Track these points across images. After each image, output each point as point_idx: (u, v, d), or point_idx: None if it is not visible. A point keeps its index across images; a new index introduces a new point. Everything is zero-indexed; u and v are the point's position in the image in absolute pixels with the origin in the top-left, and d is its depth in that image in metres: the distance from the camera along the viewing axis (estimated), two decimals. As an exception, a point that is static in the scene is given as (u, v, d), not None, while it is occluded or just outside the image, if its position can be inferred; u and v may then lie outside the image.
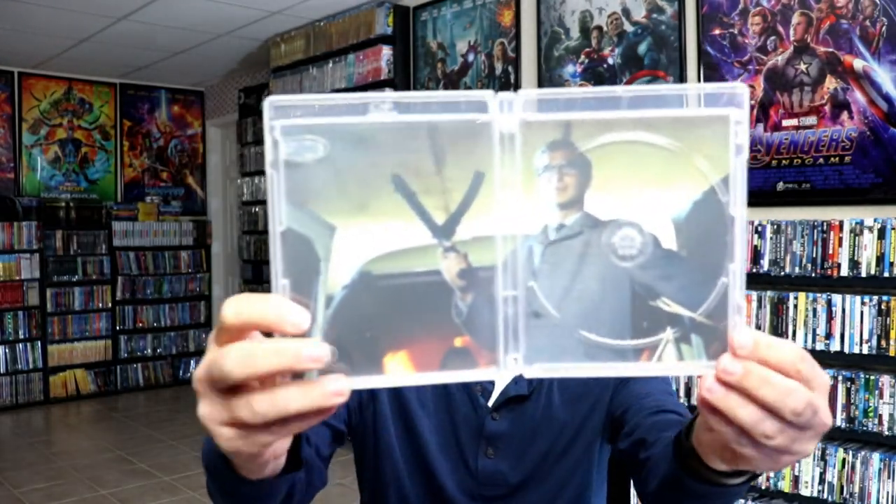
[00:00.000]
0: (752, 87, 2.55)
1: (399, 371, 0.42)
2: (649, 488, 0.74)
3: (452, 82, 3.63)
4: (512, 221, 0.42)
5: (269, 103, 0.40)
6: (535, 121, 0.42)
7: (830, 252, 2.28)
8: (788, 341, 0.41)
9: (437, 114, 0.41)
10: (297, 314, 0.39)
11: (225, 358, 0.39)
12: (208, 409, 0.41)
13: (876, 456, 2.16)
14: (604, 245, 0.43)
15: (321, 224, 0.41)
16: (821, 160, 2.39)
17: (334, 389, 0.39)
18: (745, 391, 0.39)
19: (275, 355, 0.38)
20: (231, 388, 0.40)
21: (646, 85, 0.41)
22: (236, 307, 0.39)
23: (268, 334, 0.40)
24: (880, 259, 2.18)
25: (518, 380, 0.92)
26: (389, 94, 0.42)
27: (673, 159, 0.42)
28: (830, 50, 2.36)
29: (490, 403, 0.92)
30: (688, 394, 2.51)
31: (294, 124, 0.40)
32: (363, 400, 0.94)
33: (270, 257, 0.41)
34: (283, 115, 0.41)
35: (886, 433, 2.14)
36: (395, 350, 0.42)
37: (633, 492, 2.51)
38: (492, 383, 0.93)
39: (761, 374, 0.39)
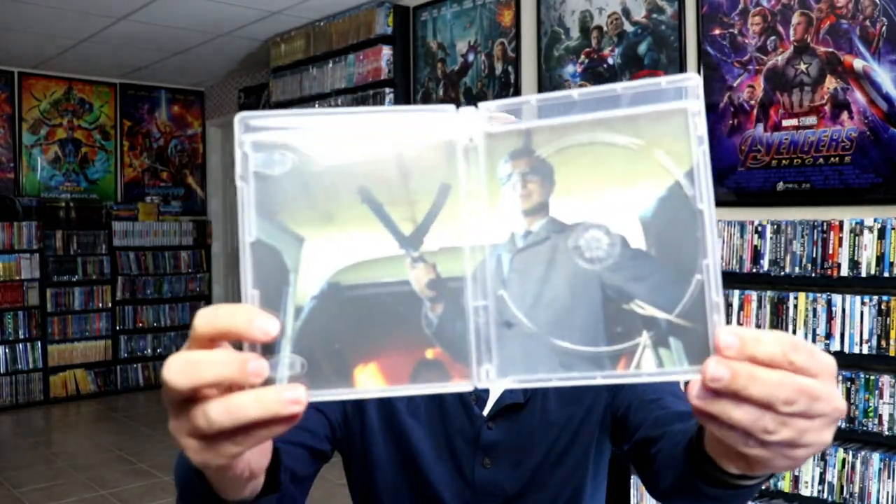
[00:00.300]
0: (752, 87, 2.55)
1: (369, 383, 0.41)
2: (661, 486, 0.73)
3: (452, 82, 3.63)
4: (479, 231, 0.43)
5: (240, 119, 0.41)
6: (496, 132, 0.43)
7: (830, 252, 2.28)
8: (775, 332, 0.39)
9: (402, 129, 0.43)
10: (266, 321, 0.38)
11: (167, 369, 0.39)
12: (173, 422, 0.41)
13: (876, 456, 2.16)
14: (571, 249, 0.42)
15: (290, 235, 0.41)
16: (821, 160, 2.39)
17: (291, 398, 0.38)
18: (734, 392, 0.38)
19: (218, 366, 0.38)
20: (187, 399, 0.39)
21: (599, 86, 0.42)
22: (207, 317, 0.39)
23: (239, 347, 0.40)
24: (880, 259, 2.18)
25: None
26: (357, 109, 0.43)
27: (634, 157, 0.41)
28: (830, 50, 2.36)
29: (485, 412, 0.90)
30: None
31: (264, 140, 0.41)
32: (348, 413, 0.91)
33: (240, 268, 0.41)
34: (253, 129, 0.41)
35: (886, 433, 2.14)
36: (365, 362, 0.42)
37: (632, 491, 2.51)
38: (486, 391, 0.91)
39: (747, 372, 0.38)
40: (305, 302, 0.41)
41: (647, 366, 0.41)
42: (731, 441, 0.41)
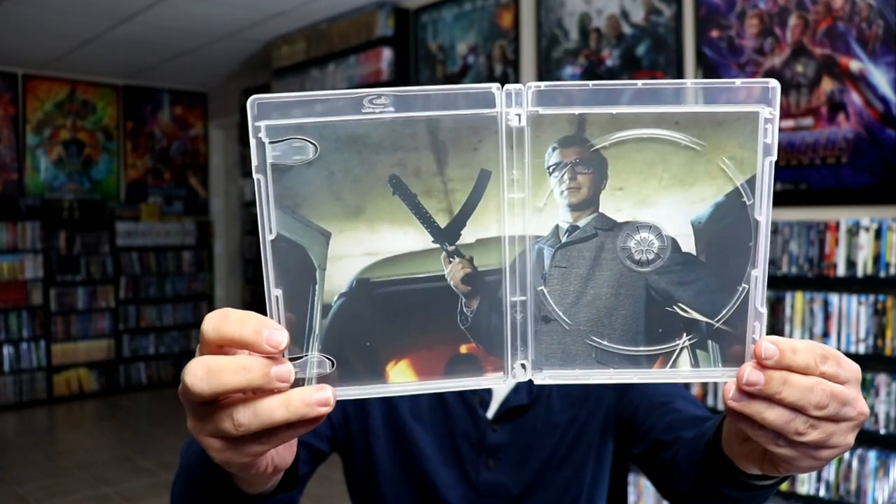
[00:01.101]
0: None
1: (401, 380, 0.40)
2: (680, 490, 0.74)
3: (452, 84, 3.65)
4: (520, 223, 0.40)
5: (253, 101, 0.38)
6: (545, 114, 0.39)
7: (827, 252, 2.29)
8: (808, 342, 0.41)
9: (439, 109, 0.39)
10: (274, 333, 0.37)
11: (189, 374, 0.38)
12: (193, 422, 0.41)
13: (872, 454, 2.18)
14: (619, 249, 0.41)
15: (315, 230, 0.39)
16: (818, 161, 2.40)
17: (318, 399, 0.38)
18: (768, 396, 0.40)
19: (242, 373, 0.37)
20: (208, 402, 0.39)
21: (691, 80, 0.40)
22: (215, 323, 0.39)
23: None
24: (876, 259, 2.20)
25: (518, 389, 0.90)
26: (386, 89, 0.39)
27: (696, 158, 0.39)
28: (827, 52, 2.38)
29: (489, 415, 0.90)
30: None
31: (281, 124, 0.38)
32: (349, 415, 0.91)
33: (263, 266, 0.39)
34: (268, 114, 0.38)
35: (882, 432, 2.16)
36: (398, 359, 0.41)
37: (630, 489, 2.53)
38: (489, 393, 0.91)
39: (781, 377, 0.40)
40: (333, 300, 0.40)
41: (683, 366, 0.41)
42: (762, 440, 0.42)
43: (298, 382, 0.40)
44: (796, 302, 2.34)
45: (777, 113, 0.39)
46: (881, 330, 2.17)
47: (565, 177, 0.40)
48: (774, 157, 0.39)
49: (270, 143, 0.38)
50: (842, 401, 0.41)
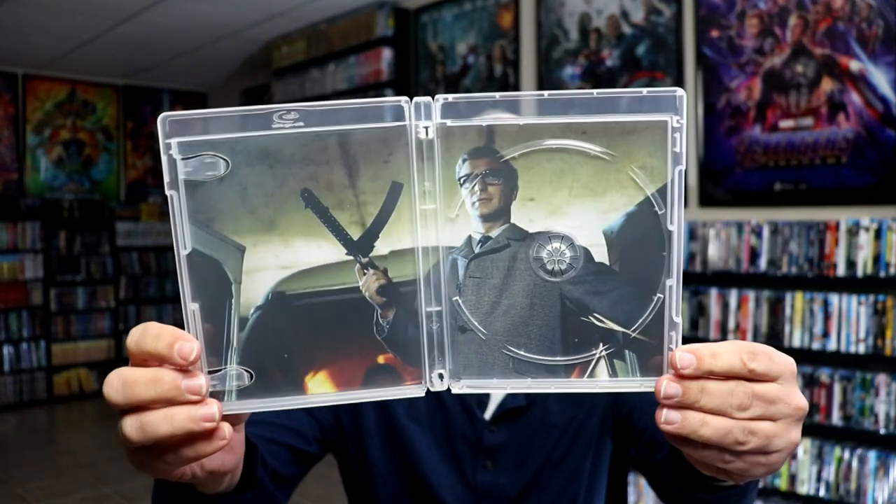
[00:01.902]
0: (749, 88, 2.57)
1: (320, 391, 0.41)
2: (669, 492, 0.74)
3: (452, 84, 3.65)
4: (433, 234, 0.41)
5: (163, 119, 0.39)
6: (454, 126, 0.40)
7: (827, 252, 2.29)
8: (732, 343, 0.40)
9: (349, 123, 0.39)
10: (185, 347, 0.38)
11: (106, 385, 0.39)
12: (119, 429, 0.41)
13: (872, 454, 2.18)
14: (532, 259, 0.41)
15: (229, 244, 0.39)
16: (818, 161, 2.40)
17: (203, 414, 0.38)
18: (688, 406, 0.39)
19: (152, 385, 0.38)
20: (127, 411, 0.40)
21: (574, 90, 0.41)
22: (136, 337, 0.40)
23: None
24: (876, 259, 2.20)
25: None
26: (295, 105, 0.39)
27: (605, 168, 0.40)
28: (827, 52, 2.38)
29: (487, 416, 0.90)
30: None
31: (192, 140, 0.38)
32: (342, 417, 0.90)
33: (179, 281, 0.39)
34: (179, 131, 0.38)
35: (882, 432, 2.16)
36: (316, 370, 0.41)
37: (630, 489, 2.53)
38: (488, 396, 0.90)
39: (697, 386, 0.39)
40: (250, 313, 0.40)
41: (601, 376, 0.41)
42: (710, 459, 0.42)
43: (218, 395, 0.40)
44: (796, 302, 2.34)
45: (685, 122, 0.39)
46: (881, 330, 2.17)
47: (476, 188, 0.40)
48: (684, 166, 0.39)
49: (182, 159, 0.38)
50: (769, 399, 0.40)
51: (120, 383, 0.39)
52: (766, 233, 2.43)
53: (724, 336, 2.49)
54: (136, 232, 5.74)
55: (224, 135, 0.39)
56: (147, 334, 0.39)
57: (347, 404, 0.71)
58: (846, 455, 2.22)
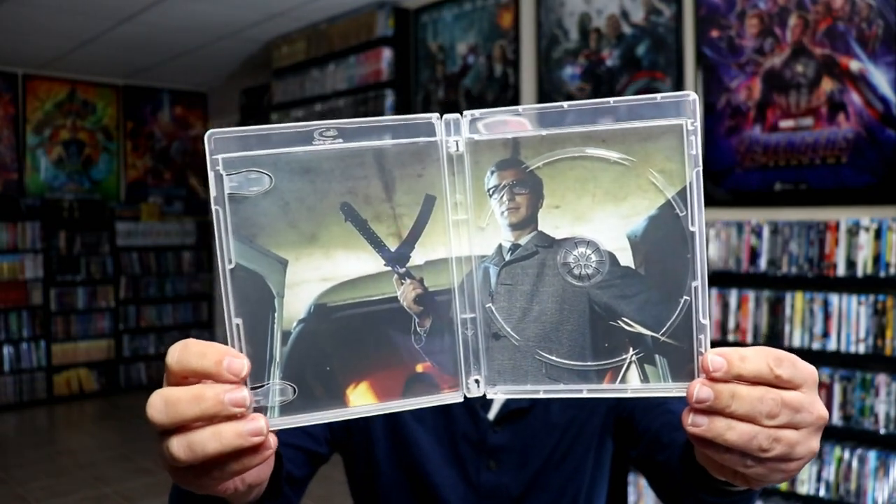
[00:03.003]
0: (749, 88, 2.57)
1: (361, 402, 0.42)
2: (672, 493, 0.74)
3: (452, 84, 3.65)
4: (465, 244, 0.42)
5: (210, 136, 0.40)
6: (481, 140, 0.42)
7: (827, 252, 2.29)
8: (759, 348, 0.40)
9: (384, 139, 0.41)
10: (235, 363, 0.38)
11: (150, 407, 0.40)
12: (158, 448, 0.41)
13: (872, 454, 2.18)
14: (559, 265, 0.42)
15: (272, 258, 0.40)
16: (818, 161, 2.40)
17: (250, 429, 0.38)
18: (719, 411, 0.40)
19: (196, 403, 0.38)
20: (171, 431, 0.40)
21: (592, 99, 0.42)
22: (178, 355, 0.40)
23: None
24: (876, 259, 2.20)
25: None
26: (333, 122, 0.41)
27: (626, 173, 0.41)
28: (827, 52, 2.38)
29: (491, 416, 0.90)
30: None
31: (237, 156, 0.40)
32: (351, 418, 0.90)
33: (222, 296, 0.40)
34: (225, 147, 0.40)
35: (882, 432, 2.16)
36: (357, 381, 0.42)
37: (630, 489, 2.53)
38: None
39: (729, 391, 0.39)
40: (293, 326, 0.41)
41: (632, 381, 0.42)
42: (730, 463, 0.42)
43: (261, 411, 0.40)
44: (796, 302, 2.34)
45: (699, 124, 0.40)
46: (881, 330, 2.17)
47: (504, 198, 0.42)
48: (701, 168, 0.40)
49: (227, 174, 0.39)
50: (795, 407, 0.40)
51: (162, 404, 0.39)
52: (766, 233, 2.43)
53: (724, 336, 2.49)
54: (136, 232, 5.74)
55: (268, 150, 0.40)
56: (190, 352, 0.39)
57: None
58: (846, 455, 2.22)
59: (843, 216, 2.29)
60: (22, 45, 4.76)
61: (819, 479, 2.27)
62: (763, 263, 2.43)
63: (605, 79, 3.01)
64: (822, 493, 2.26)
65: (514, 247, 0.43)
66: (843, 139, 2.35)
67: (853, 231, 2.24)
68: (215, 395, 0.38)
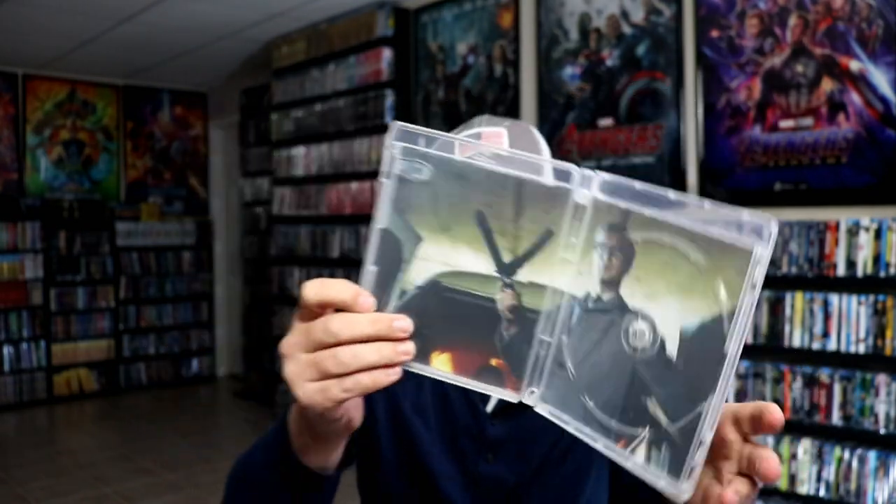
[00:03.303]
0: (749, 88, 2.57)
1: (441, 367, 0.50)
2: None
3: (452, 84, 3.65)
4: (565, 280, 0.49)
5: (396, 126, 0.49)
6: (604, 201, 0.48)
7: (827, 252, 2.29)
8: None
9: (527, 172, 0.49)
10: (367, 297, 0.48)
11: (332, 323, 0.48)
12: (295, 369, 0.49)
13: (872, 454, 2.18)
14: (622, 329, 0.48)
15: (412, 232, 0.50)
16: (818, 161, 2.40)
17: (402, 350, 0.48)
18: None
19: (372, 324, 0.48)
20: (315, 345, 0.49)
21: (692, 196, 0.46)
22: (316, 288, 0.48)
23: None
24: (876, 259, 2.20)
25: None
26: (492, 147, 0.51)
27: (697, 275, 0.45)
28: (827, 52, 2.38)
29: (489, 409, 0.92)
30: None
31: (411, 148, 0.49)
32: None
33: (367, 247, 0.50)
34: (404, 138, 0.49)
35: (882, 432, 2.16)
36: (442, 350, 0.50)
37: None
38: None
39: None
40: (409, 288, 0.49)
41: (638, 456, 0.46)
42: None
43: None
44: (796, 302, 2.34)
45: (769, 254, 0.42)
46: (881, 330, 2.17)
47: (604, 255, 0.48)
48: (756, 297, 0.43)
49: (401, 159, 0.48)
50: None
51: (345, 322, 0.48)
52: (766, 233, 2.43)
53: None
54: (136, 232, 5.74)
55: (436, 152, 0.49)
56: (329, 286, 0.48)
57: (363, 397, 0.74)
58: (846, 455, 2.22)
59: (843, 216, 2.29)
60: (22, 45, 4.76)
61: (819, 479, 2.27)
62: (763, 263, 2.43)
63: (605, 79, 3.01)
64: (822, 493, 2.26)
65: (598, 298, 0.49)
66: (843, 139, 2.35)
67: (853, 231, 2.24)
68: (388, 321, 0.48)
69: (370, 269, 0.49)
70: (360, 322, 0.48)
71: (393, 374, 0.48)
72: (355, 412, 0.55)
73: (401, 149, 0.48)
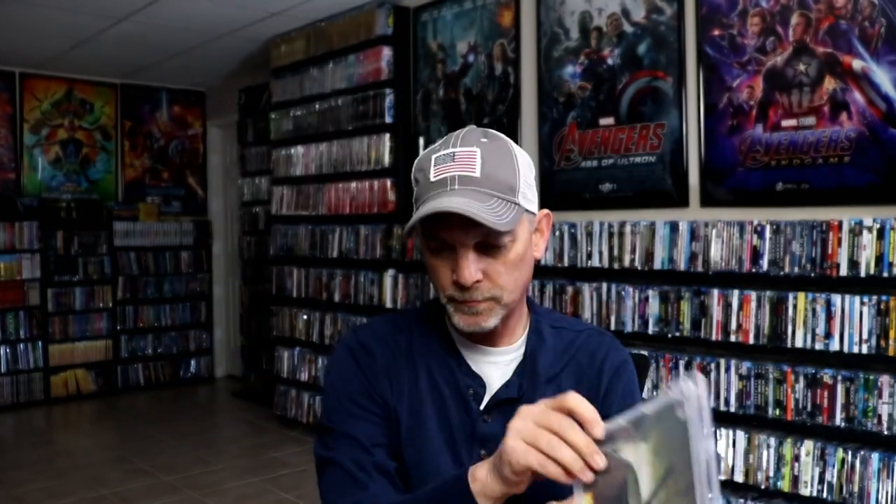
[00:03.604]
0: (751, 87, 2.56)
1: (581, 496, 0.67)
2: None
3: (452, 83, 3.64)
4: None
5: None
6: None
7: (829, 252, 2.28)
8: None
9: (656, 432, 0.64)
10: (601, 427, 0.67)
11: (565, 421, 0.68)
12: (521, 427, 0.70)
13: (875, 456, 2.16)
14: None
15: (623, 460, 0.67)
16: (820, 160, 2.39)
17: (586, 470, 0.65)
18: None
19: (586, 444, 0.66)
20: (547, 429, 0.68)
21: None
22: (586, 406, 0.68)
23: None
24: (879, 259, 2.19)
25: (509, 383, 0.95)
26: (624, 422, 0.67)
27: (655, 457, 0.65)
28: (829, 50, 2.37)
29: (482, 406, 0.94)
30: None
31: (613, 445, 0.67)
32: (390, 414, 0.96)
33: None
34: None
35: (886, 433, 2.15)
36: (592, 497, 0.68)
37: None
38: (483, 387, 0.95)
39: None
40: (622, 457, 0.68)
41: None
42: None
43: None
44: (799, 302, 2.32)
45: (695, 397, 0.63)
46: (884, 330, 2.16)
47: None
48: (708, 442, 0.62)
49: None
50: None
51: (570, 453, 0.67)
52: (768, 233, 2.41)
53: (726, 337, 2.48)
54: (134, 232, 5.72)
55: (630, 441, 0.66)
56: (590, 409, 0.68)
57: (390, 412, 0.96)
58: (849, 456, 2.21)
59: (845, 216, 2.28)
60: (19, 43, 4.74)
61: (822, 480, 2.26)
62: (765, 263, 2.42)
63: (605, 77, 2.99)
64: (824, 494, 2.25)
65: None
66: (845, 138, 2.33)
67: (856, 231, 2.23)
68: (596, 451, 0.66)
69: (621, 422, 0.65)
70: (581, 436, 0.65)
71: (564, 478, 0.66)
72: (523, 486, 0.72)
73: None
